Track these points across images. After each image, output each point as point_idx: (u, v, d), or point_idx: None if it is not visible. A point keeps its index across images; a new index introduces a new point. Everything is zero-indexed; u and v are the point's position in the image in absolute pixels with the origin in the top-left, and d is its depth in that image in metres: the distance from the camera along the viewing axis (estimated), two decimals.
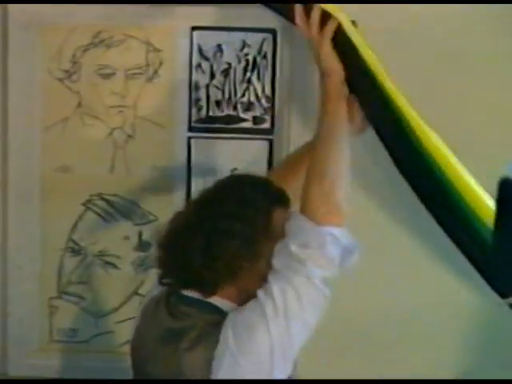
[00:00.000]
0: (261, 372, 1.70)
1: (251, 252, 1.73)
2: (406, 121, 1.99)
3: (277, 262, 1.73)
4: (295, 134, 2.51)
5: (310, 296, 1.70)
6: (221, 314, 1.73)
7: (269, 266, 1.74)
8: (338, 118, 1.92)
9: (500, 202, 1.54)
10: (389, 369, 2.67)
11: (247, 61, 2.59)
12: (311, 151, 1.91)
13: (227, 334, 1.68)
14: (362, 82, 2.02)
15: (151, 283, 2.14)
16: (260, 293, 1.71)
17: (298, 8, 1.97)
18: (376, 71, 2.01)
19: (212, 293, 1.76)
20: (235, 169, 2.59)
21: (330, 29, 1.94)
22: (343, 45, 1.97)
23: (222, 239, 1.72)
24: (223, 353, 1.67)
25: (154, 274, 1.99)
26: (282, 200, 1.83)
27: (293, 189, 1.91)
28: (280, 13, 2.17)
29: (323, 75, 1.98)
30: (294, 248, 1.69)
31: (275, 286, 1.69)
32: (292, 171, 2.16)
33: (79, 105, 2.64)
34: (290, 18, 2.03)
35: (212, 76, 2.61)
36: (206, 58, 2.61)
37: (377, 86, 2.01)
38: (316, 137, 1.95)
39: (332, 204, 1.76)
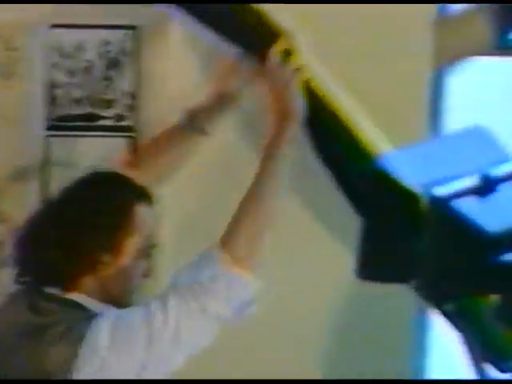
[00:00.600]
0: (129, 372, 1.67)
1: (110, 245, 1.74)
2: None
3: (183, 282, 1.71)
4: (157, 132, 2.53)
5: (201, 325, 1.70)
6: (84, 311, 1.70)
7: (134, 265, 1.78)
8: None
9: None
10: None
11: (108, 58, 2.55)
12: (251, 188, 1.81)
13: (100, 332, 1.63)
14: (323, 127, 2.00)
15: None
16: (154, 302, 1.68)
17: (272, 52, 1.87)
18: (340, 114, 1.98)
19: (72, 288, 1.74)
20: (95, 166, 2.53)
21: (301, 73, 1.88)
22: (310, 91, 1.93)
23: (79, 232, 1.73)
24: (91, 350, 1.63)
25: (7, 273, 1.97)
26: (143, 196, 1.83)
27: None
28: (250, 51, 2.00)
29: (281, 117, 1.85)
30: (204, 278, 1.69)
31: (172, 301, 1.66)
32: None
33: None
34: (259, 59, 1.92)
35: (72, 74, 2.56)
36: (66, 56, 2.56)
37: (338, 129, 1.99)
38: (257, 176, 1.82)
39: (253, 253, 1.75)
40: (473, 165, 1.68)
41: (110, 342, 1.63)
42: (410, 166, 1.75)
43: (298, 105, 1.86)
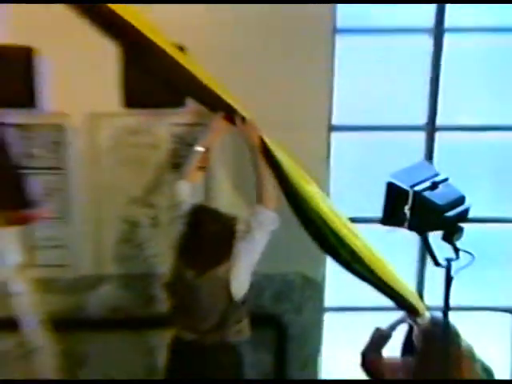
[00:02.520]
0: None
1: None
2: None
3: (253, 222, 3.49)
4: None
5: (264, 237, 3.51)
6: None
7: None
8: (257, 157, 3.55)
9: (386, 199, 3.03)
10: None
11: None
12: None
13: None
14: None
15: None
16: (250, 234, 3.47)
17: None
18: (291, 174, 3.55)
19: None
20: None
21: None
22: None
23: None
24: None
25: None
26: None
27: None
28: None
29: (250, 145, 3.52)
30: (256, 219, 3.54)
31: (254, 232, 3.46)
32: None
33: None
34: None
35: None
36: None
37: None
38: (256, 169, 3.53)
39: (271, 200, 3.50)
40: (427, 176, 3.08)
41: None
42: (404, 177, 3.07)
43: (257, 141, 3.53)
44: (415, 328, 3.62)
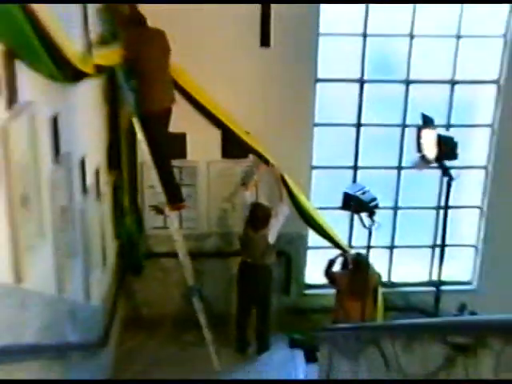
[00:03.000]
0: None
1: None
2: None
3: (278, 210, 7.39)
4: None
5: (282, 217, 7.49)
6: None
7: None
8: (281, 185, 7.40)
9: (342, 204, 6.99)
10: None
11: None
12: None
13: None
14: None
15: None
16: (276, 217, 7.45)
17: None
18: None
19: None
20: None
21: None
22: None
23: None
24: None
25: None
26: None
27: None
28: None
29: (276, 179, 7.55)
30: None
31: (279, 216, 7.44)
32: None
33: None
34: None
35: None
36: None
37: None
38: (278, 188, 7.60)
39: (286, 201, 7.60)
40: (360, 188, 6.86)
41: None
42: (350, 189, 6.84)
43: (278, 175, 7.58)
44: (348, 257, 7.77)
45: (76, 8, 5.01)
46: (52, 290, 4.39)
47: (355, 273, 7.30)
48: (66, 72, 4.10)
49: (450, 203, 6.80)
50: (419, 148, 6.52)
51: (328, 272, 7.58)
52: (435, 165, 6.46)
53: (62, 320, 4.69)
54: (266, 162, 7.75)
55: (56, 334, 4.49)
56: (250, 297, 7.85)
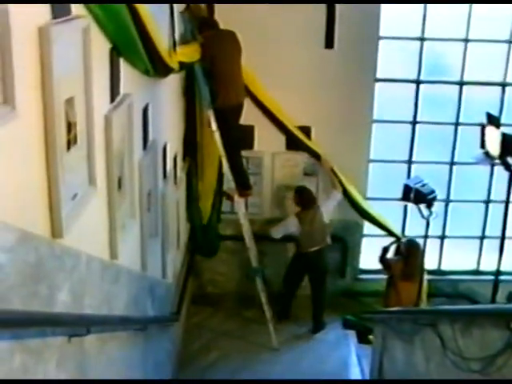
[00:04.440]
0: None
1: None
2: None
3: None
4: None
5: (336, 201, 7.69)
6: None
7: None
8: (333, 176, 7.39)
9: (403, 195, 6.74)
10: None
11: None
12: None
13: None
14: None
15: None
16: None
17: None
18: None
19: None
20: None
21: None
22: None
23: None
24: None
25: None
26: None
27: None
28: None
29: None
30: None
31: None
32: None
33: None
34: None
35: None
36: None
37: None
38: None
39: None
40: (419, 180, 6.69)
41: None
42: (410, 181, 6.70)
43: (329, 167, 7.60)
44: (400, 244, 7.72)
45: (165, 7, 5.06)
46: (137, 267, 4.46)
47: (408, 257, 7.23)
48: (158, 67, 4.15)
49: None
50: (483, 145, 6.45)
51: (383, 259, 7.53)
52: (498, 161, 6.38)
53: (144, 295, 4.76)
54: (318, 156, 7.88)
55: (139, 309, 4.56)
56: (302, 279, 7.98)
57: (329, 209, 7.71)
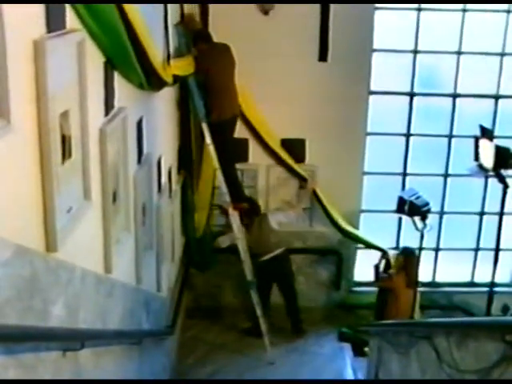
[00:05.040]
0: None
1: None
2: None
3: None
4: None
5: None
6: None
7: None
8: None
9: (397, 207, 6.78)
10: None
11: None
12: None
13: None
14: None
15: None
16: None
17: None
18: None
19: None
20: None
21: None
22: None
23: None
24: None
25: None
26: None
27: None
28: None
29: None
30: None
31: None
32: None
33: None
34: None
35: None
36: None
37: None
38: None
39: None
40: (413, 193, 6.68)
41: None
42: (405, 194, 6.68)
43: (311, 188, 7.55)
44: (388, 257, 7.66)
45: (159, 20, 5.07)
46: (132, 280, 4.44)
47: (407, 266, 7.20)
48: (152, 80, 4.16)
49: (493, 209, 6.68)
50: (477, 157, 6.47)
51: (379, 277, 7.48)
52: (492, 173, 6.39)
53: (138, 309, 4.74)
54: (303, 178, 7.94)
55: (134, 322, 4.54)
56: (270, 289, 7.91)
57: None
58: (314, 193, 7.82)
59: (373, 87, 7.99)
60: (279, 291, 7.95)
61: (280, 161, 8.00)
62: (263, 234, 7.66)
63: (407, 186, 8.16)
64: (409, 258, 7.20)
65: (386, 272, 7.53)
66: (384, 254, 7.75)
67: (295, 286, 7.98)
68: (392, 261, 7.51)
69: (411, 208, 6.54)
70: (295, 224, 8.05)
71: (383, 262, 7.63)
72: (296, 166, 7.95)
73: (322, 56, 7.65)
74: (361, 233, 8.15)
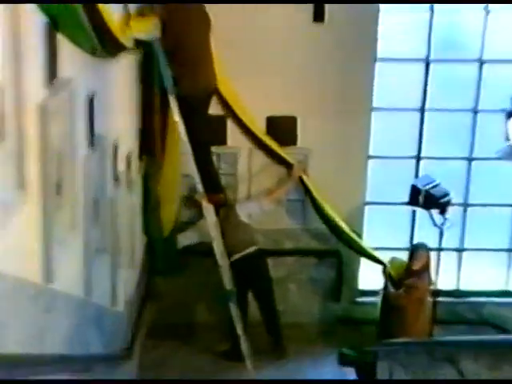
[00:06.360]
0: None
1: None
2: None
3: None
4: None
5: None
6: None
7: None
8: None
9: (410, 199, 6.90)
10: None
11: None
12: None
13: None
14: None
15: None
16: None
17: None
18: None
19: None
20: None
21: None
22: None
23: None
24: None
25: None
26: None
27: None
28: None
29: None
30: None
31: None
32: None
33: None
34: None
35: None
36: None
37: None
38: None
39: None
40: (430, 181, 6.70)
41: None
42: (419, 182, 6.76)
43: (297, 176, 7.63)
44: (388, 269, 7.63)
45: None
46: (79, 291, 4.40)
47: (427, 269, 7.33)
48: (106, 43, 4.13)
49: None
50: (508, 136, 6.45)
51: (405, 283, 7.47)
52: None
53: (87, 327, 4.71)
54: (288, 164, 7.91)
55: (81, 344, 4.49)
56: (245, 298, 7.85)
57: (247, 208, 7.76)
58: (302, 181, 7.79)
59: (380, 53, 7.97)
60: (255, 300, 7.89)
61: (260, 143, 7.95)
62: (230, 229, 7.60)
63: (422, 173, 8.17)
64: (425, 261, 7.20)
65: (400, 286, 7.52)
66: (385, 267, 7.74)
67: (274, 295, 7.89)
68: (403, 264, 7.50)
69: (427, 199, 6.53)
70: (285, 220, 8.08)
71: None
72: (280, 150, 7.92)
73: (318, 15, 7.60)
74: (359, 238, 8.09)
